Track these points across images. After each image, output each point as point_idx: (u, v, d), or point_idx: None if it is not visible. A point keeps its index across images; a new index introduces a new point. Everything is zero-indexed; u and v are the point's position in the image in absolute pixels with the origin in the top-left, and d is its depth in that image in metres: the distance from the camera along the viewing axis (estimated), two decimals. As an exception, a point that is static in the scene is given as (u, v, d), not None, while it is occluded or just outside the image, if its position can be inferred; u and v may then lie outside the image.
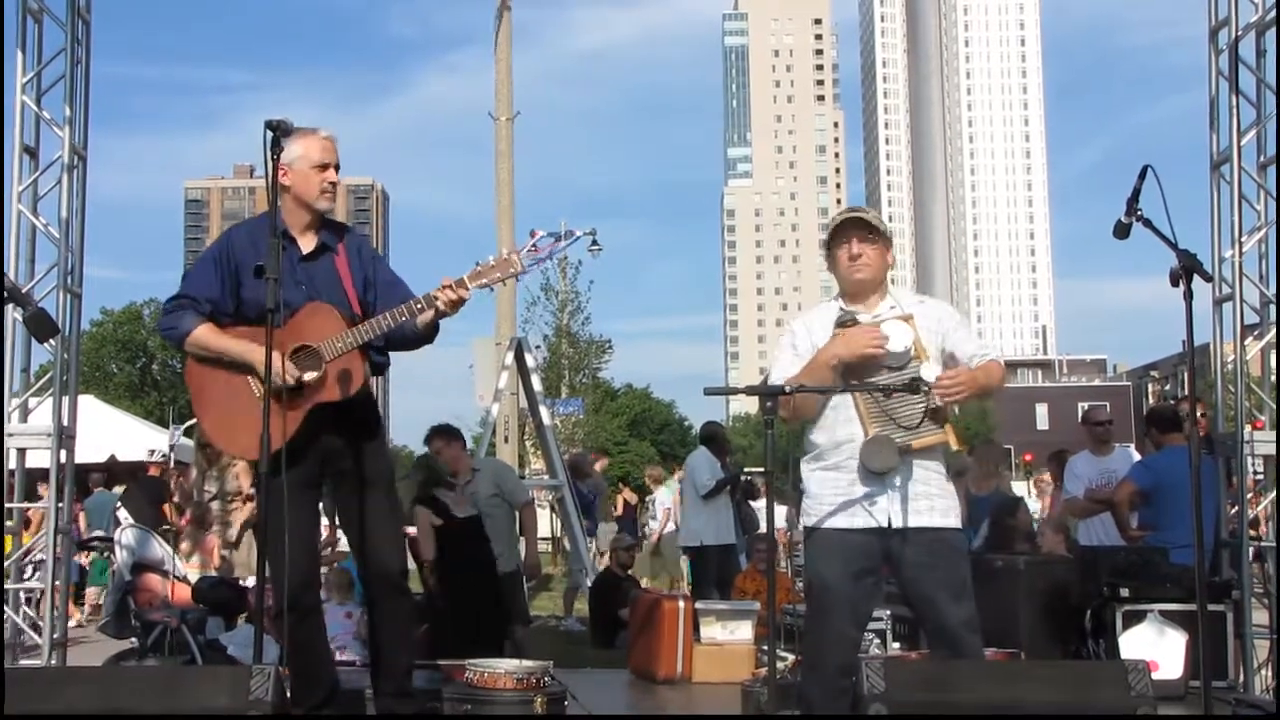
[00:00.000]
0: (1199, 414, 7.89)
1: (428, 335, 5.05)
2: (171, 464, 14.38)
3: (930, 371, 4.67)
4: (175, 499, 11.79)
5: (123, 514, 9.05)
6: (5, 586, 6.85)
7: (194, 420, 11.13)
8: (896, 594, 6.22)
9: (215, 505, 10.37)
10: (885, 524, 4.74)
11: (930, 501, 4.78)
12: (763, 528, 12.96)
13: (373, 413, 5.15)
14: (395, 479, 5.34)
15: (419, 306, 4.82)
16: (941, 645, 4.84)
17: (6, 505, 6.99)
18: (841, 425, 4.82)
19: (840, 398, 4.80)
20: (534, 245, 5.03)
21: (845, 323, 4.85)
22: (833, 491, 4.83)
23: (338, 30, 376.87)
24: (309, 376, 4.78)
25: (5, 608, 6.81)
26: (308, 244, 5.03)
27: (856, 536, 4.76)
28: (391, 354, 5.26)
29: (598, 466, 18.50)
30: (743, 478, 13.51)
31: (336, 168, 5.04)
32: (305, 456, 4.90)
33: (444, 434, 8.95)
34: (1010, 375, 5.07)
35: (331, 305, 4.90)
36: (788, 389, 4.67)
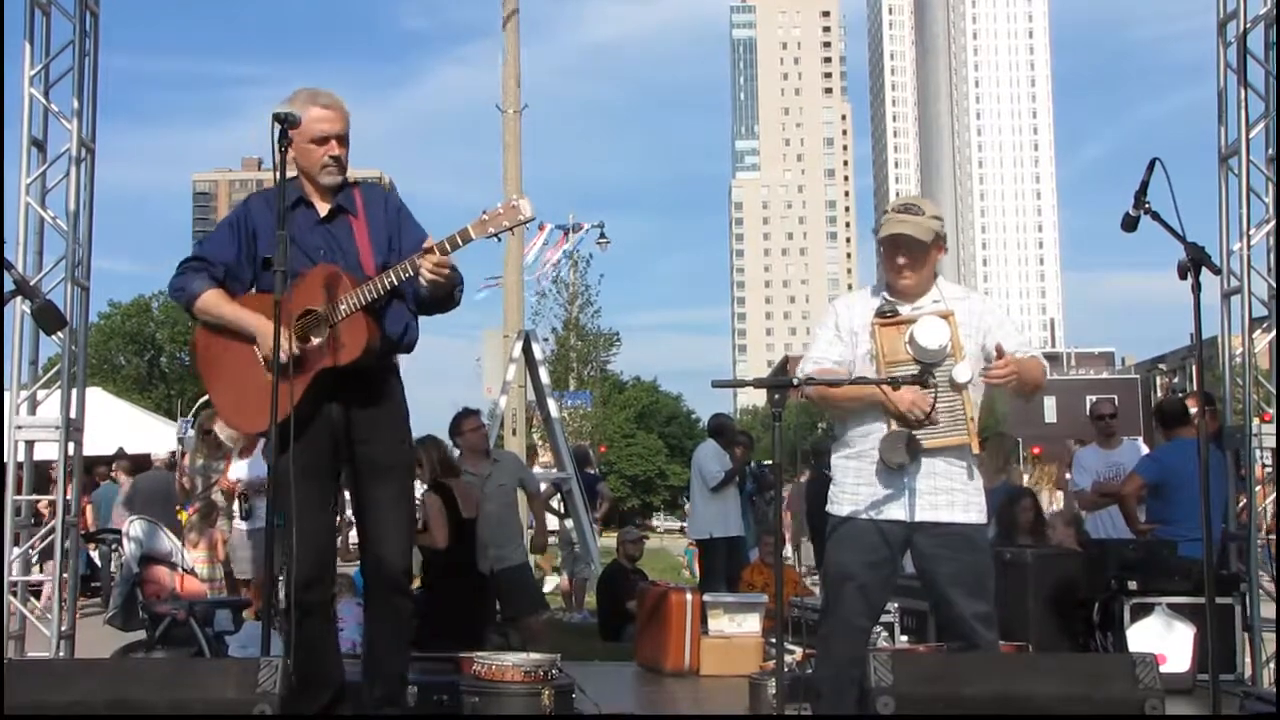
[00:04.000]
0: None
1: (443, 299, 4.81)
2: (180, 456, 14.41)
3: (964, 370, 4.66)
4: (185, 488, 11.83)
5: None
6: (13, 579, 6.87)
7: (201, 407, 11.23)
8: (904, 586, 6.23)
9: (219, 496, 10.42)
10: (906, 516, 4.75)
11: (951, 496, 4.77)
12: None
13: (392, 393, 4.94)
14: (414, 468, 5.14)
15: (420, 262, 4.59)
16: (956, 639, 4.85)
17: (15, 498, 7.00)
18: (869, 415, 4.82)
19: (869, 389, 4.78)
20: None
21: (885, 313, 4.82)
22: (855, 480, 4.85)
23: (348, 22, 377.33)
24: (315, 341, 4.65)
25: (13, 600, 6.83)
26: (324, 208, 4.90)
27: (877, 526, 4.77)
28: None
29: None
30: (762, 472, 13.47)
31: (340, 139, 4.84)
32: (315, 436, 4.76)
33: (476, 414, 9.08)
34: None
35: (340, 269, 4.73)
36: (795, 382, 4.66)
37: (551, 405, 16.95)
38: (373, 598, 5.00)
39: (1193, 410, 8.04)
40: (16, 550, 7.03)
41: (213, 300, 4.82)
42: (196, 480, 11.14)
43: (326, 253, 4.82)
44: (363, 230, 4.88)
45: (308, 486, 4.73)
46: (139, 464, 16.07)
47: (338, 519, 5.22)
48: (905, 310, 4.85)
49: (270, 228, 4.74)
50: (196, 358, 5.00)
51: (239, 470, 9.90)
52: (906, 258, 4.85)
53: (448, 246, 4.61)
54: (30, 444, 7.12)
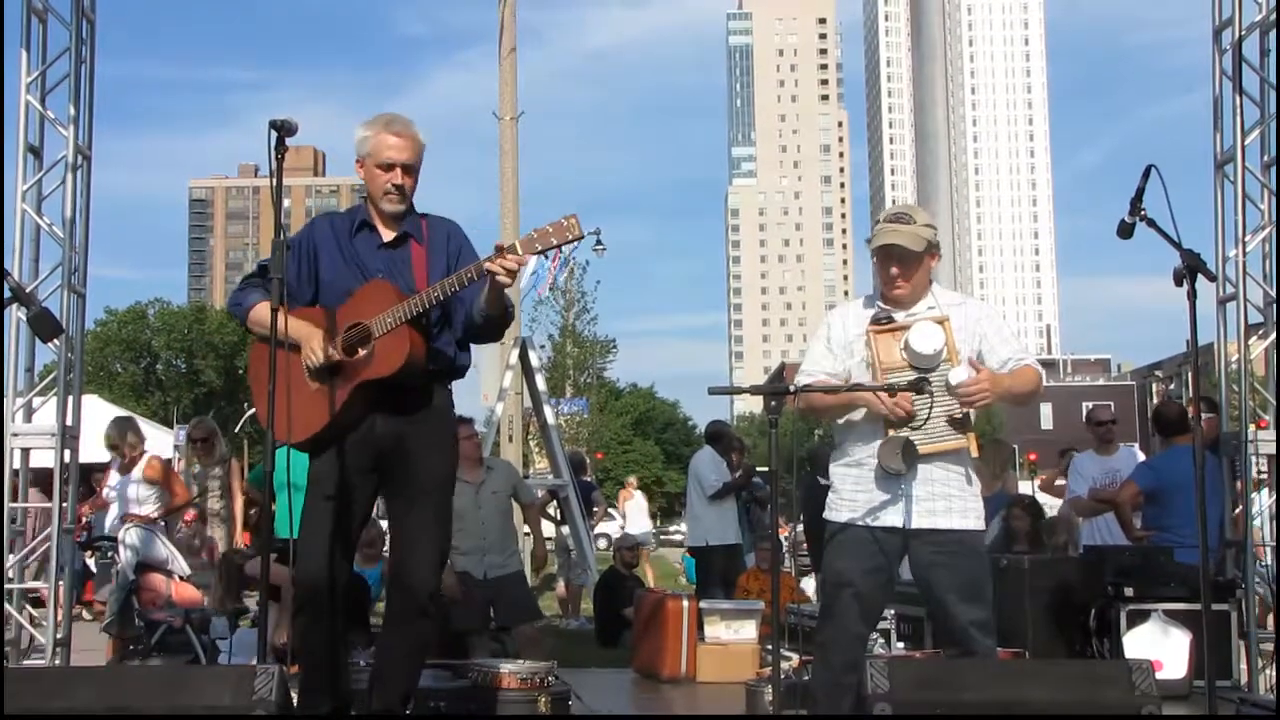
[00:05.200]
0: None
1: (495, 319, 4.79)
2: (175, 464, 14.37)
3: (960, 374, 4.66)
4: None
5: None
6: (9, 587, 6.86)
7: (196, 420, 11.22)
8: (901, 593, 6.23)
9: (217, 503, 10.39)
10: (902, 523, 4.76)
11: (949, 503, 4.77)
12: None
13: (438, 414, 4.89)
14: (451, 490, 5.10)
15: (469, 276, 4.58)
16: (953, 645, 4.85)
17: (10, 505, 6.99)
18: (867, 423, 4.83)
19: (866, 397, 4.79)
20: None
21: (880, 319, 4.84)
22: (854, 488, 4.86)
23: (346, 28, 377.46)
24: (361, 354, 4.66)
25: (8, 607, 6.82)
26: (388, 234, 4.91)
27: (874, 534, 4.78)
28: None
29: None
30: (755, 478, 13.45)
31: (407, 169, 4.85)
32: (349, 448, 4.74)
33: (470, 423, 9.10)
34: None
35: (392, 284, 4.74)
36: (792, 389, 4.67)
37: (548, 412, 16.94)
38: (393, 615, 4.92)
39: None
40: (13, 558, 7.02)
41: (264, 311, 4.73)
42: (192, 487, 11.11)
43: (386, 276, 4.82)
44: (422, 258, 4.89)
45: (332, 498, 4.73)
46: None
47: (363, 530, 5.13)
48: (900, 317, 4.86)
49: (333, 247, 4.88)
50: (249, 368, 5.04)
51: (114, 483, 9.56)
52: (899, 267, 4.85)
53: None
54: (26, 451, 7.11)
